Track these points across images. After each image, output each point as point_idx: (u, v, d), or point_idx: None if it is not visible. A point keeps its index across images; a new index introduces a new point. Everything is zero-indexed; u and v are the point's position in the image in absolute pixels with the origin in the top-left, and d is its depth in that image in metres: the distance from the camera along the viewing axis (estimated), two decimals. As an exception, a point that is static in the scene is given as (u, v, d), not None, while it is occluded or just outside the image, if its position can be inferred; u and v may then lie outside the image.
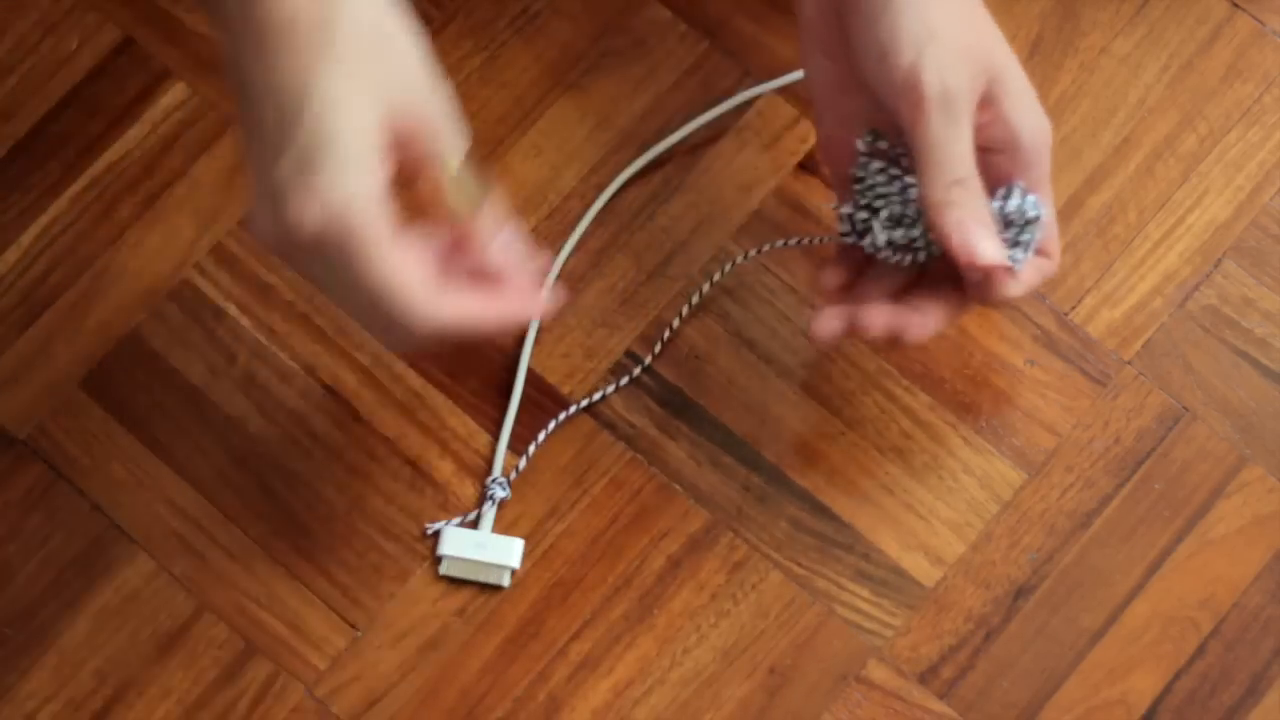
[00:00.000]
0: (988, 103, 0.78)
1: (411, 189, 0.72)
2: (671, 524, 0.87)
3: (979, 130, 0.78)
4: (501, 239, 0.74)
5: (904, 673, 0.85)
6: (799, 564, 0.86)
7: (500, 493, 0.86)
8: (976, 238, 0.77)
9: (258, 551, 0.87)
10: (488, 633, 0.86)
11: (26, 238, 0.91)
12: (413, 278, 0.70)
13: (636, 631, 0.86)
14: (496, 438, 0.88)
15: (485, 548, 0.86)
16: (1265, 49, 0.92)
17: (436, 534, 0.86)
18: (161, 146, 0.92)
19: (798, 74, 0.91)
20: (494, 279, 0.74)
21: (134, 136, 0.92)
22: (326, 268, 0.70)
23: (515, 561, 0.86)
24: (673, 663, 0.85)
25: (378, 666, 0.85)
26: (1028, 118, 0.79)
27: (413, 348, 0.78)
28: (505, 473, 0.87)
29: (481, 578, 0.86)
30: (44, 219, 0.91)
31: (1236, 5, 0.93)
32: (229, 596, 0.86)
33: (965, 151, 0.77)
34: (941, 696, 0.85)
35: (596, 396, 0.88)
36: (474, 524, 0.86)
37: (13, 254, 0.91)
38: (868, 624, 0.85)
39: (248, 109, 0.69)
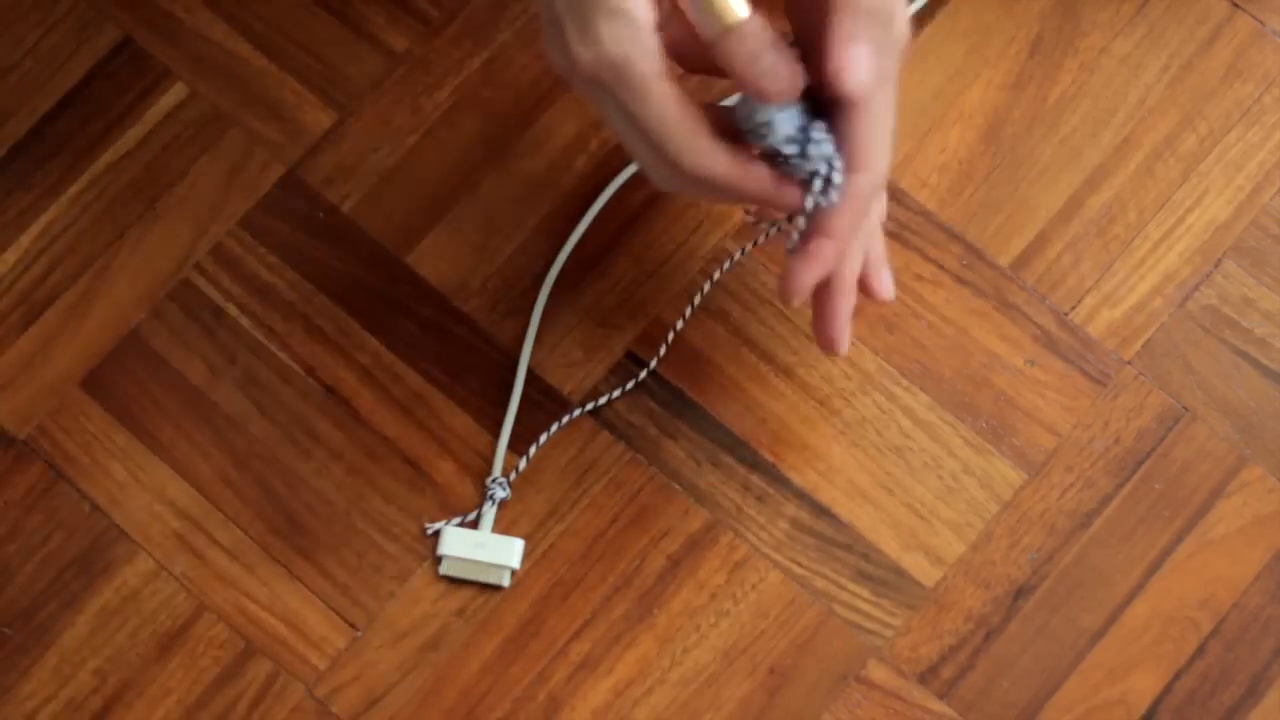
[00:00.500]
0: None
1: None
2: (671, 524, 0.87)
3: None
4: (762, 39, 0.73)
5: (904, 673, 0.85)
6: (799, 564, 0.86)
7: (500, 493, 0.86)
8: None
9: (258, 551, 0.87)
10: (488, 633, 0.86)
11: (26, 238, 0.91)
12: (684, 120, 0.72)
13: (636, 631, 0.86)
14: (497, 438, 0.88)
15: (485, 548, 0.86)
16: (1265, 49, 0.93)
17: (437, 534, 0.86)
18: (161, 146, 0.92)
19: None
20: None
21: (134, 136, 0.92)
22: (603, 103, 0.73)
23: (515, 561, 0.86)
24: (673, 663, 0.85)
25: (378, 666, 0.85)
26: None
27: (683, 190, 0.77)
28: (505, 473, 0.87)
29: (481, 578, 0.86)
30: (44, 219, 0.91)
31: (1236, 5, 0.93)
32: (229, 596, 0.86)
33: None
34: (941, 696, 0.85)
35: (601, 400, 0.88)
36: (474, 524, 0.86)
37: (13, 254, 0.91)
38: (868, 624, 0.85)
39: None
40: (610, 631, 0.86)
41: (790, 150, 0.74)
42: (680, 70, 0.74)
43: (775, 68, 0.72)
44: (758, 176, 0.75)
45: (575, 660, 0.85)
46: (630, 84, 0.72)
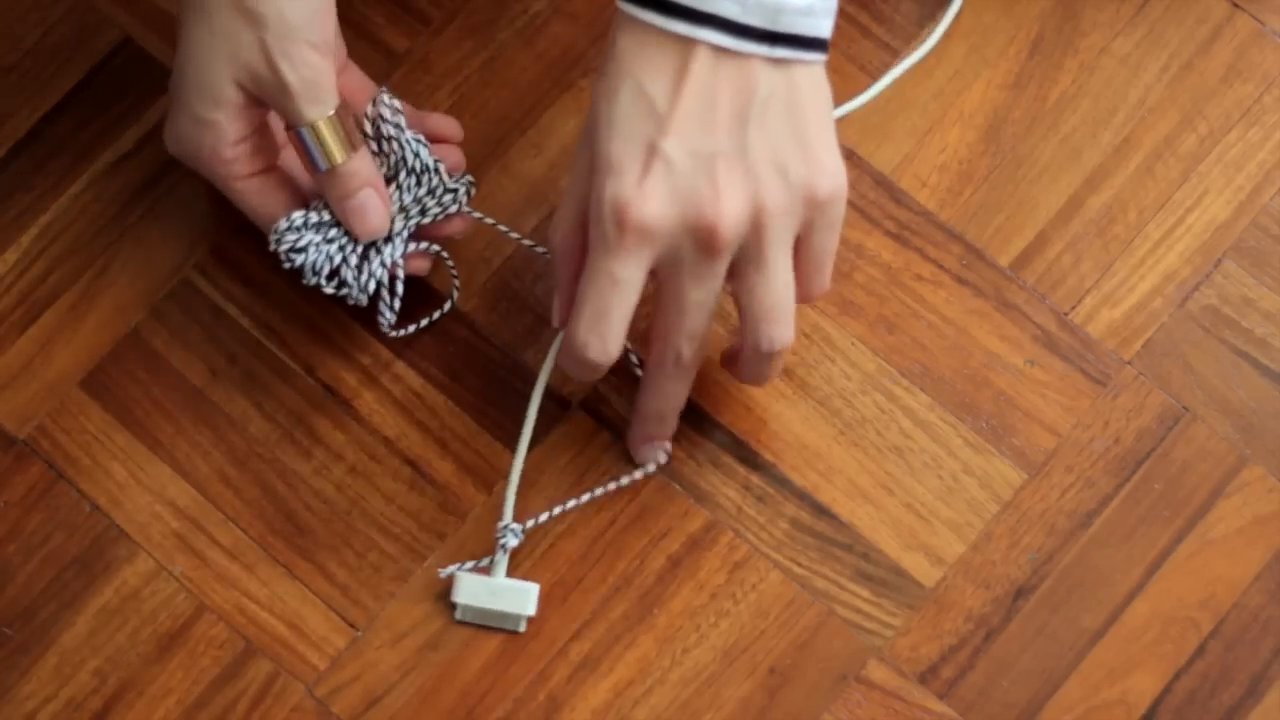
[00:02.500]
0: None
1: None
2: (671, 524, 0.87)
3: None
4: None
5: (904, 673, 0.85)
6: (799, 564, 0.86)
7: (512, 540, 0.85)
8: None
9: (258, 551, 0.87)
10: (488, 632, 0.86)
11: (26, 238, 0.91)
12: (262, 206, 0.85)
13: (636, 631, 0.86)
14: (497, 437, 0.88)
15: (500, 596, 0.84)
16: (1265, 49, 0.92)
17: (450, 578, 0.86)
18: (161, 147, 0.92)
19: None
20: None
21: (134, 136, 0.92)
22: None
23: (530, 609, 0.85)
24: (673, 663, 0.85)
25: (378, 666, 0.85)
26: (599, 193, 0.78)
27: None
28: (518, 518, 0.86)
29: (497, 624, 0.85)
30: (44, 219, 0.91)
31: (1236, 5, 0.93)
32: (229, 596, 0.86)
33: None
34: (941, 696, 0.85)
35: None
36: (487, 569, 0.86)
37: (13, 254, 0.91)
38: (868, 624, 0.85)
39: None
40: (610, 631, 0.86)
41: (326, 286, 0.86)
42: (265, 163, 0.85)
43: (364, 206, 0.84)
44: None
45: (575, 660, 0.85)
46: (211, 179, 0.85)
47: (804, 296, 0.81)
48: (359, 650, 0.86)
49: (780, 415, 0.88)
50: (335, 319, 0.90)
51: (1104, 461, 0.87)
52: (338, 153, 0.83)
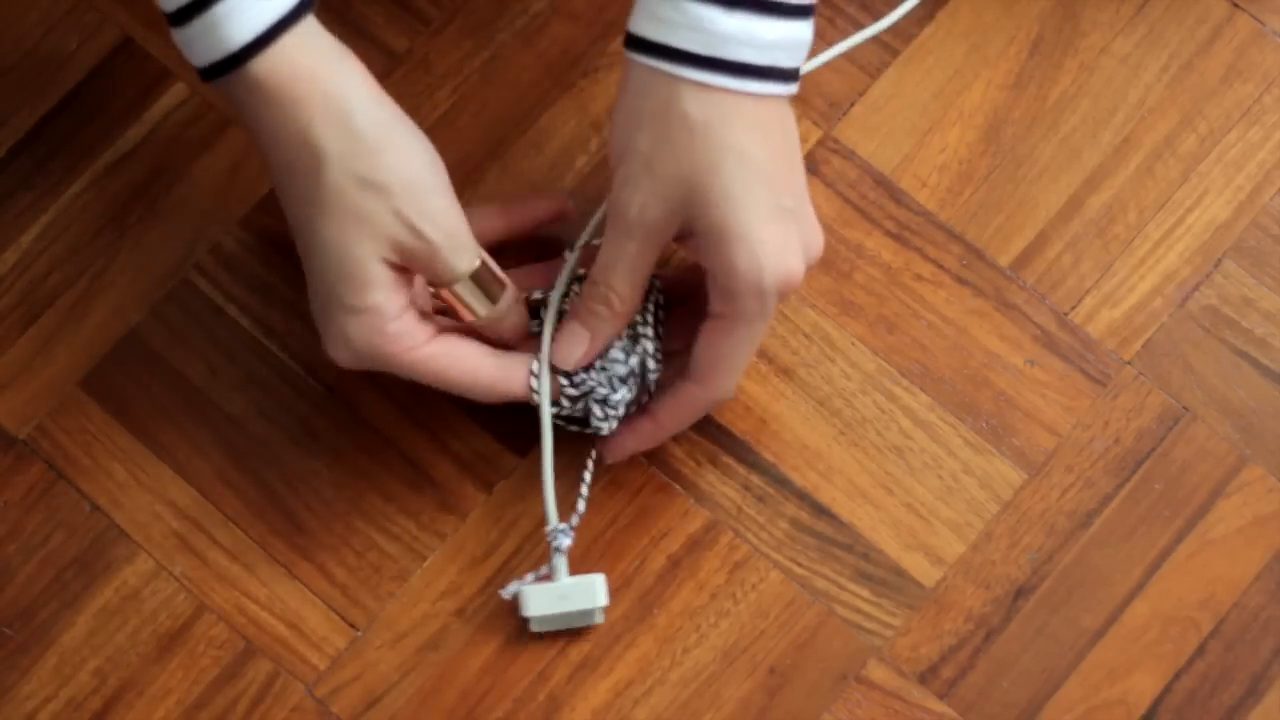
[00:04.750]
0: (695, 235, 0.78)
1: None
2: (671, 524, 0.87)
3: (698, 255, 0.80)
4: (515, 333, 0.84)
5: (904, 673, 0.85)
6: (799, 564, 0.86)
7: (565, 540, 0.84)
8: (567, 332, 0.82)
9: (258, 551, 0.87)
10: (488, 633, 0.86)
11: (26, 238, 0.91)
12: (457, 373, 0.82)
13: (636, 631, 0.86)
14: (497, 437, 0.88)
15: (569, 597, 0.84)
16: (1265, 49, 0.92)
17: (516, 597, 0.85)
18: (161, 146, 0.92)
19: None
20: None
21: (134, 136, 0.92)
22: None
23: (602, 599, 0.84)
24: (673, 663, 0.85)
25: (378, 666, 0.85)
26: (739, 264, 0.78)
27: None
28: (563, 518, 0.86)
29: (575, 624, 0.85)
30: (44, 219, 0.91)
31: (1236, 5, 0.93)
32: (229, 596, 0.86)
33: (612, 263, 0.80)
34: (941, 696, 0.85)
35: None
36: (548, 577, 0.85)
37: (13, 254, 0.91)
38: (868, 624, 0.85)
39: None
40: (610, 631, 0.86)
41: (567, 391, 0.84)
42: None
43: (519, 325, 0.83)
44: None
45: (575, 660, 0.85)
46: (392, 366, 0.81)
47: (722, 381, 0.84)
48: (359, 650, 0.86)
49: (780, 415, 0.88)
50: (335, 319, 0.90)
51: (1104, 461, 0.87)
52: (496, 290, 0.82)
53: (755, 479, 0.87)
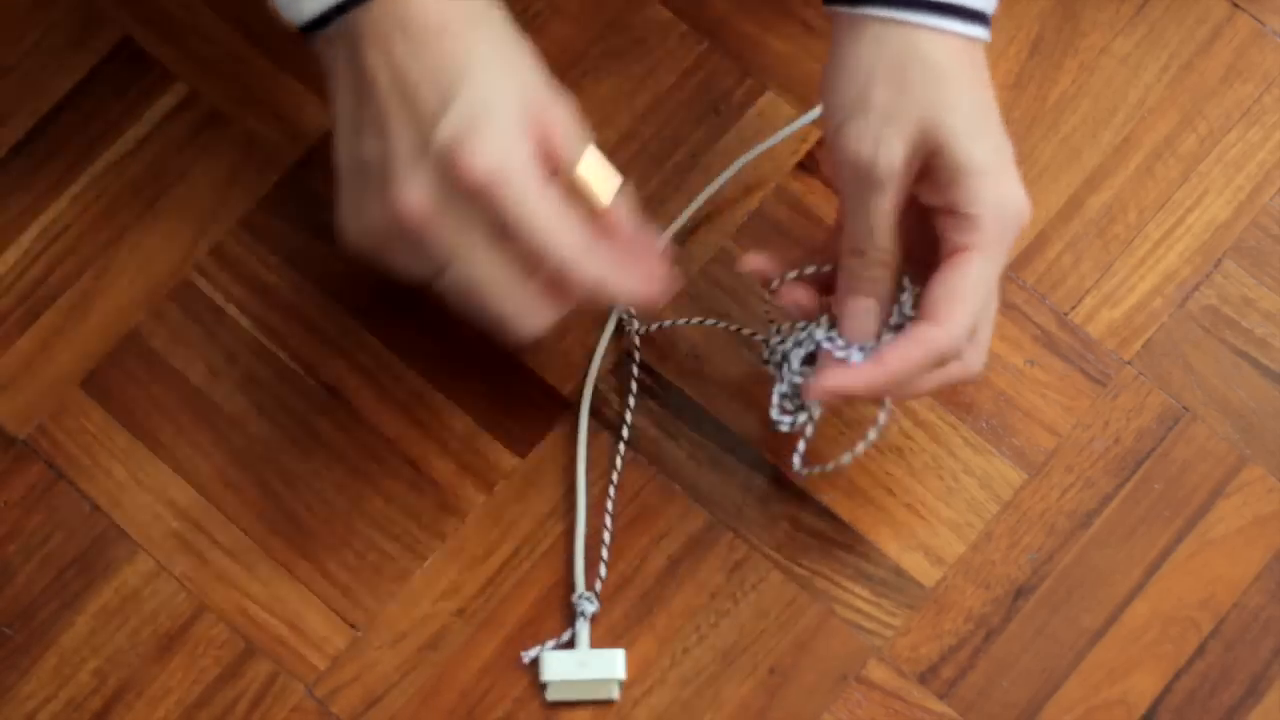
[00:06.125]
0: (934, 173, 0.77)
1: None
2: (671, 524, 0.87)
3: (937, 194, 0.78)
4: (632, 226, 0.80)
5: (904, 673, 0.85)
6: (799, 564, 0.86)
7: (589, 607, 0.85)
8: (858, 309, 0.79)
9: (258, 551, 0.87)
10: (488, 633, 0.86)
11: (26, 238, 0.91)
12: (566, 223, 0.77)
13: (636, 631, 0.86)
14: (497, 437, 0.88)
15: (587, 665, 0.84)
16: (1265, 49, 0.93)
17: (535, 660, 0.85)
18: (161, 146, 0.92)
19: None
20: (627, 260, 0.80)
21: (134, 136, 0.92)
22: (478, 221, 0.76)
23: (620, 673, 0.84)
24: (673, 663, 0.85)
25: (378, 666, 0.85)
26: (985, 195, 0.77)
27: (537, 322, 0.80)
28: (589, 586, 0.85)
29: (590, 695, 0.84)
30: (44, 219, 0.91)
31: (1236, 5, 0.93)
32: (229, 596, 0.86)
33: (870, 224, 0.78)
34: (941, 696, 0.85)
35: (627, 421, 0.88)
36: (570, 644, 0.85)
37: (13, 254, 0.91)
38: (868, 624, 0.85)
39: (389, 98, 0.76)
40: (610, 631, 0.86)
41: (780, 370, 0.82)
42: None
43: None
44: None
45: (575, 660, 0.85)
46: (519, 188, 0.76)
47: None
48: (359, 650, 0.86)
49: (780, 415, 0.88)
50: (335, 319, 0.90)
51: (1104, 461, 0.87)
52: (614, 181, 0.80)
53: (755, 479, 0.87)
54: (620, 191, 0.80)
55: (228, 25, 0.94)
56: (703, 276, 0.90)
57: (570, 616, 0.85)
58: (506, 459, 0.88)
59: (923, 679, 0.85)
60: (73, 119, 0.93)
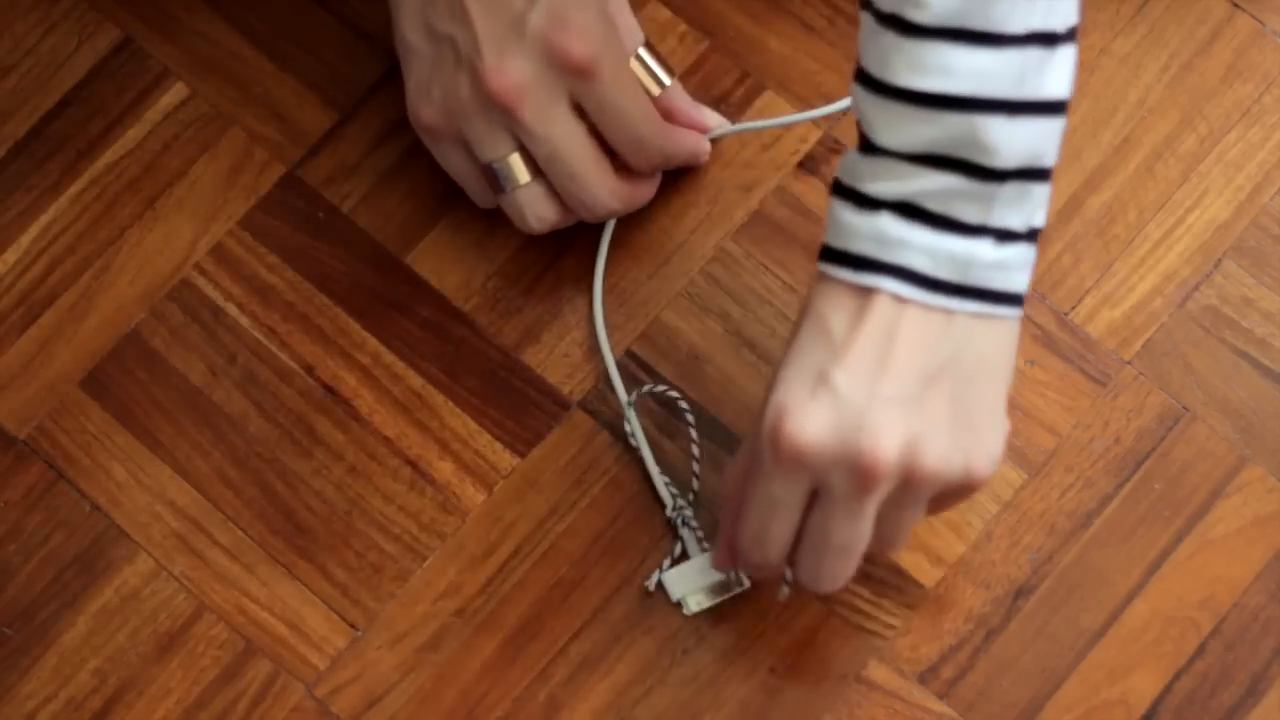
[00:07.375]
0: None
1: None
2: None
3: None
4: (688, 105, 0.89)
5: (904, 673, 0.85)
6: (799, 564, 0.86)
7: (689, 515, 0.85)
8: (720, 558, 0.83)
9: (258, 551, 0.87)
10: (488, 633, 0.86)
11: (26, 238, 0.91)
12: (647, 101, 0.86)
13: (636, 632, 0.86)
14: (497, 437, 0.88)
15: (708, 570, 0.85)
16: (1265, 49, 0.93)
17: (660, 585, 0.85)
18: (161, 146, 0.92)
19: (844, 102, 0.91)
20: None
21: (134, 136, 0.92)
22: (560, 97, 0.84)
23: None
24: (673, 663, 0.85)
25: (378, 666, 0.85)
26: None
27: (612, 196, 0.87)
28: (683, 495, 0.86)
29: (727, 592, 0.85)
30: (44, 219, 0.91)
31: (1236, 5, 0.93)
32: (229, 596, 0.86)
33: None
34: (941, 696, 0.85)
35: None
36: (684, 556, 0.85)
37: (13, 254, 0.91)
38: (868, 624, 0.85)
39: None
40: (610, 631, 0.86)
41: None
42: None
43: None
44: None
45: (575, 660, 0.85)
46: (617, 65, 0.84)
47: (882, 548, 0.80)
48: (359, 650, 0.86)
49: (780, 415, 0.88)
50: (335, 319, 0.90)
51: (1104, 461, 0.87)
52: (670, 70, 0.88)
53: (755, 479, 0.87)
54: (674, 77, 0.88)
55: (228, 25, 0.94)
56: (703, 276, 0.90)
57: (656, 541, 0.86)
58: (506, 459, 0.88)
59: (923, 679, 0.85)
60: (73, 119, 0.93)
